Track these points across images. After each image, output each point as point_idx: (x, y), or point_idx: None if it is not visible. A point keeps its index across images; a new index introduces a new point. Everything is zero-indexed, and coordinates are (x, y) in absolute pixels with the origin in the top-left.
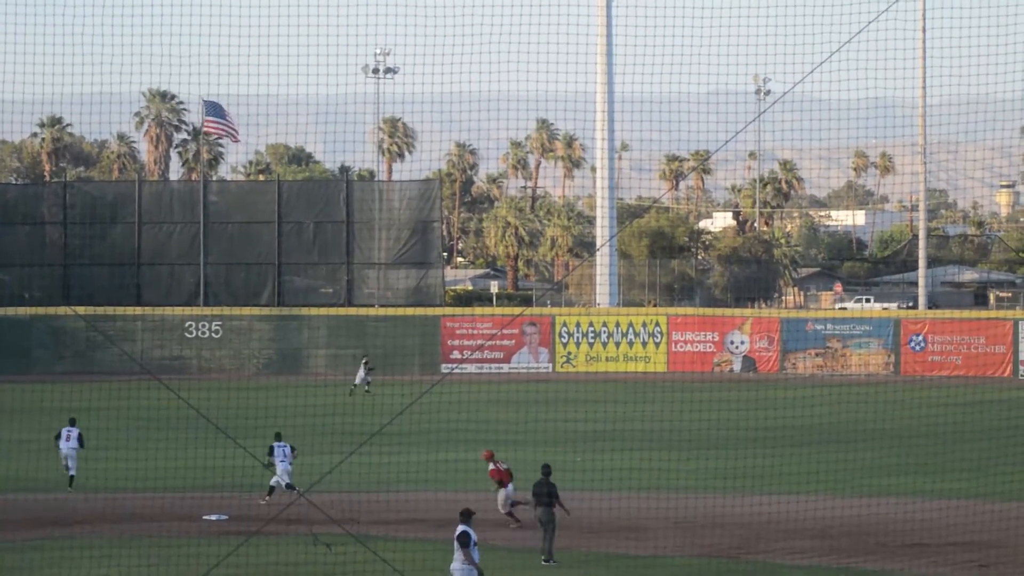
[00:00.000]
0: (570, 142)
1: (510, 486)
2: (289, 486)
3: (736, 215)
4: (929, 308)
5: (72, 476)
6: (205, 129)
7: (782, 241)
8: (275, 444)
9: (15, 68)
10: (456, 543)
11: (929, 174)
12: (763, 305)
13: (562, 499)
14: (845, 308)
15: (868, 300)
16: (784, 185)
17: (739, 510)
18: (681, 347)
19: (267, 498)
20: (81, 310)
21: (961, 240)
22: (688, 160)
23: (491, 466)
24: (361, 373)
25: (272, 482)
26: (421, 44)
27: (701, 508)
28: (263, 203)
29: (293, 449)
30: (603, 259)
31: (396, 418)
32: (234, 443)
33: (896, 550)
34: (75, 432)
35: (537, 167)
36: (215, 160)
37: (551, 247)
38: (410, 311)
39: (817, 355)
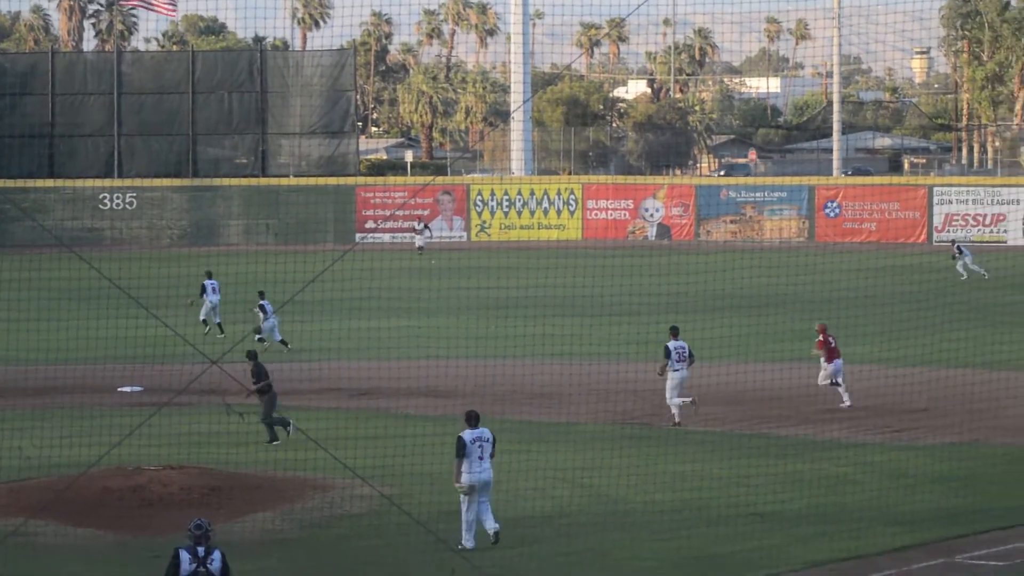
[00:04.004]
0: (484, 9)
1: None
2: (282, 342)
3: (651, 82)
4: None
5: None
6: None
7: (697, 108)
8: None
9: None
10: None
11: (843, 40)
12: (678, 173)
13: None
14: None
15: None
16: (698, 52)
17: (653, 376)
18: (596, 215)
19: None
20: None
21: (875, 107)
22: (603, 28)
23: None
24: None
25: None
26: None
27: (615, 375)
28: (177, 74)
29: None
30: (518, 127)
31: (308, 286)
32: (148, 314)
33: (809, 415)
34: None
35: (452, 36)
36: (129, 31)
37: (466, 116)
38: (324, 181)
39: (732, 222)
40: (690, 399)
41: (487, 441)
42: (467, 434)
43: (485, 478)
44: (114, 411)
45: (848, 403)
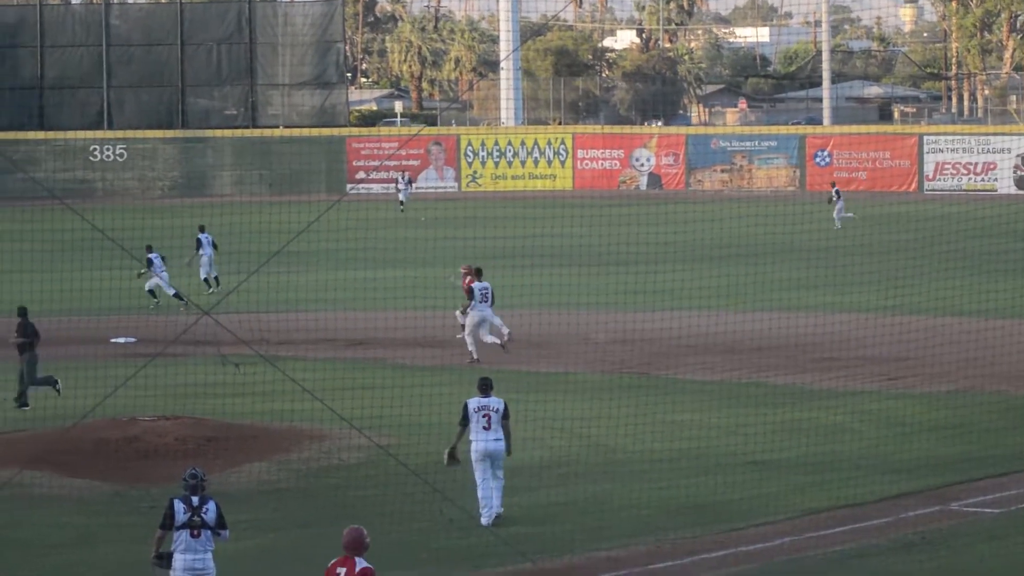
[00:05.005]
0: None
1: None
2: (177, 296)
3: (640, 32)
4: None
5: None
6: None
7: (686, 58)
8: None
9: None
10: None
11: None
12: (668, 123)
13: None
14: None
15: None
16: (687, 2)
17: (647, 326)
18: (586, 165)
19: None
20: None
21: (865, 55)
22: None
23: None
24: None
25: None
26: None
27: (609, 325)
28: (166, 26)
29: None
30: (507, 78)
31: (298, 236)
32: (142, 265)
33: (805, 364)
34: None
35: None
36: None
37: (455, 66)
38: (315, 132)
39: (723, 171)
40: (500, 342)
41: (495, 411)
42: (472, 401)
43: (490, 448)
44: (107, 363)
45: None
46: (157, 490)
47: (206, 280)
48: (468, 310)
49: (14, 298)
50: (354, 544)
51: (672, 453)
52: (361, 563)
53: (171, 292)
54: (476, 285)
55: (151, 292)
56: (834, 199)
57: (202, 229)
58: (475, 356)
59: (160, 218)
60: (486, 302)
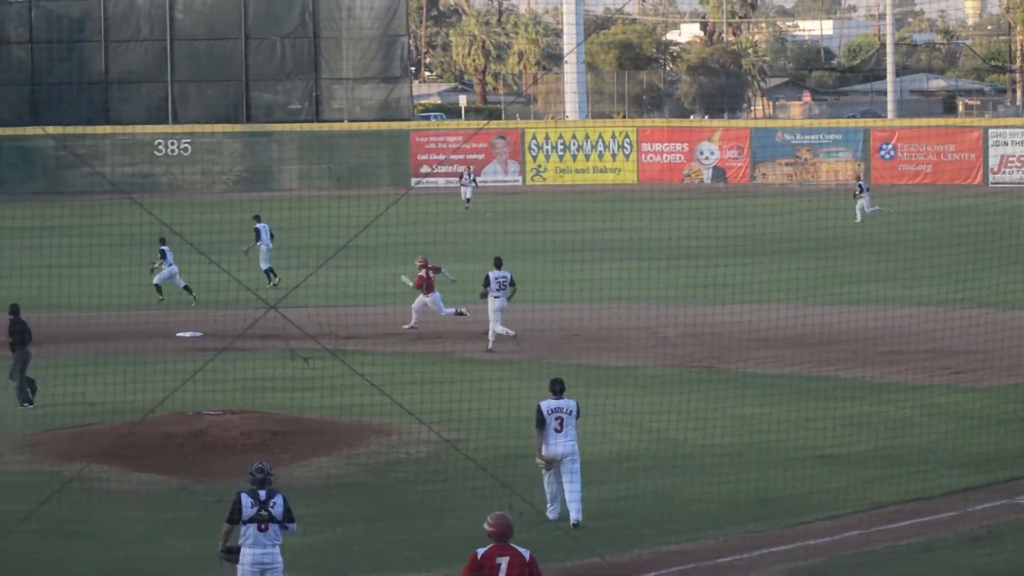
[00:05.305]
0: None
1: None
2: (186, 288)
3: (703, 25)
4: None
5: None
6: None
7: (750, 51)
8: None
9: None
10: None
11: None
12: (732, 116)
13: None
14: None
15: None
16: None
17: (713, 319)
18: (651, 158)
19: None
20: (52, 130)
21: (929, 48)
22: None
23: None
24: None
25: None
26: None
27: (675, 318)
28: (230, 20)
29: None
30: (571, 71)
31: (364, 230)
32: (208, 260)
33: (870, 358)
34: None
35: None
36: None
37: (519, 60)
38: (379, 126)
39: (787, 165)
40: (513, 333)
41: (568, 413)
42: (545, 404)
43: (561, 451)
44: (174, 357)
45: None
46: (223, 484)
47: (267, 272)
48: (487, 299)
49: (81, 292)
50: (506, 531)
51: (739, 447)
52: (524, 550)
53: (181, 285)
54: (493, 274)
55: (158, 287)
56: (858, 193)
57: (258, 219)
58: (491, 347)
59: (225, 212)
60: (503, 291)
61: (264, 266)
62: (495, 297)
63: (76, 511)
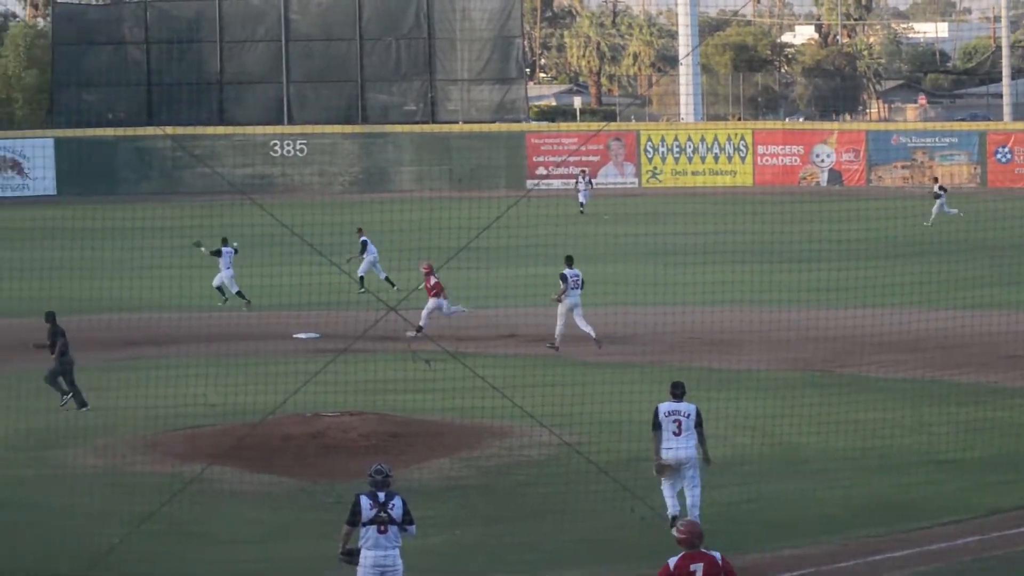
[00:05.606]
0: None
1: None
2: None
3: (818, 27)
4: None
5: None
6: None
7: (865, 54)
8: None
9: None
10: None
11: None
12: (848, 118)
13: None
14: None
15: None
16: None
17: (831, 323)
18: (767, 161)
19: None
20: (169, 130)
21: None
22: None
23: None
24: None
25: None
26: None
27: (792, 322)
28: (344, 20)
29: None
30: (686, 74)
31: (482, 233)
32: (328, 261)
33: (990, 362)
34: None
35: None
36: None
37: (633, 62)
38: (495, 127)
39: (903, 168)
40: (594, 335)
41: (686, 416)
42: (663, 406)
43: (680, 455)
44: (290, 358)
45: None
46: (342, 486)
47: (362, 279)
48: (561, 297)
49: (197, 293)
50: (697, 537)
51: (856, 451)
52: (714, 553)
53: (234, 290)
54: (567, 272)
55: (219, 289)
56: (939, 194)
57: (361, 231)
58: (557, 344)
59: (341, 213)
60: (577, 289)
61: (361, 271)
62: (569, 297)
63: (195, 512)
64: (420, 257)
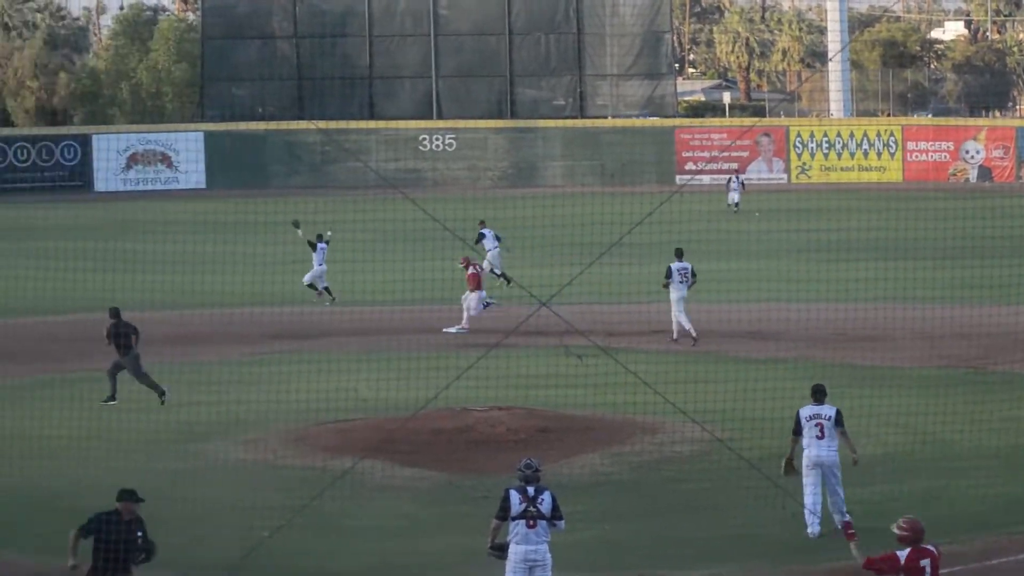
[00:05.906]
0: None
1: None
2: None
3: (968, 24)
4: None
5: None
6: None
7: (1014, 50)
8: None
9: None
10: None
11: None
12: (998, 115)
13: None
14: None
15: None
16: None
17: (983, 320)
18: (916, 157)
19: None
20: (321, 124)
21: None
22: None
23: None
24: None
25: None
26: None
27: (943, 319)
28: (494, 14)
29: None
30: (836, 70)
31: (634, 228)
32: (476, 255)
33: None
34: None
35: None
36: None
37: (782, 58)
38: (644, 122)
39: None
40: (694, 333)
41: (827, 419)
42: (804, 410)
43: (823, 458)
44: (442, 354)
45: None
46: (490, 480)
47: (503, 274)
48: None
49: (354, 288)
50: (921, 534)
51: (1008, 449)
52: (932, 547)
53: (322, 286)
54: (674, 265)
55: (311, 286)
56: None
57: (483, 224)
58: (675, 337)
59: (490, 209)
60: (684, 283)
61: (499, 271)
62: (676, 288)
63: (346, 505)
64: (571, 252)
